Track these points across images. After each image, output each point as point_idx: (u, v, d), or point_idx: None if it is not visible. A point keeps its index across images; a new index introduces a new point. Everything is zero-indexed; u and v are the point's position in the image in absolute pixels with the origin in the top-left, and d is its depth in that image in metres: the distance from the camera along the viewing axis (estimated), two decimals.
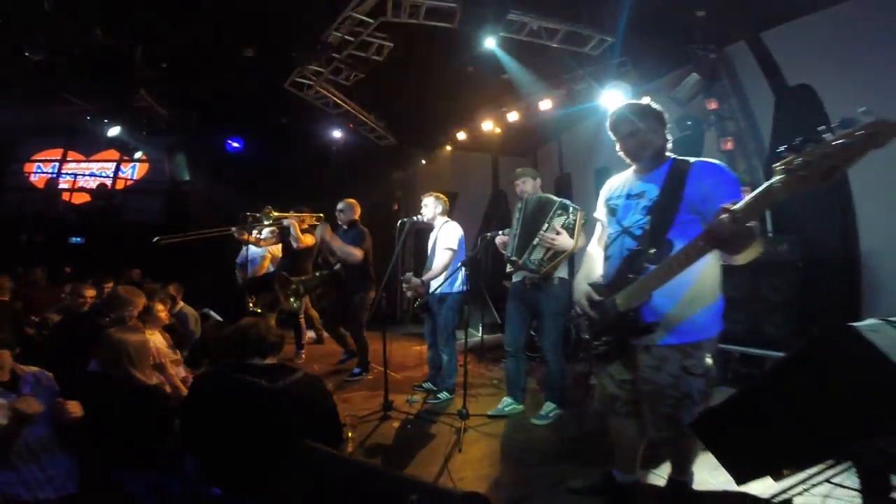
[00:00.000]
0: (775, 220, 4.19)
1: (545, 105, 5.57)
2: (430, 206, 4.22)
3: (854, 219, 3.74)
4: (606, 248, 2.16)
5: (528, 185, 3.73)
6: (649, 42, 4.47)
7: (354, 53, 4.88)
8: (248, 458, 1.97)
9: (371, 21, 4.36)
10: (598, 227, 2.31)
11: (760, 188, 1.48)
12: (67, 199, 8.04)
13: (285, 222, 5.19)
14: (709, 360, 2.02)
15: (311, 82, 5.61)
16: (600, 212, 2.26)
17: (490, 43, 4.30)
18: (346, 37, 4.62)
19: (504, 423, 3.57)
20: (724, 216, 1.54)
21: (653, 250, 1.89)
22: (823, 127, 1.29)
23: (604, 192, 2.25)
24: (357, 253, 4.51)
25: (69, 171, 8.15)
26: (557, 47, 4.58)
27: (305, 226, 5.29)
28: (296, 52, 4.89)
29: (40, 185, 8.16)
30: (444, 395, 4.10)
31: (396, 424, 3.54)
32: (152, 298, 4.47)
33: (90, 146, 8.08)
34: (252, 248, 5.93)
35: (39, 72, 5.13)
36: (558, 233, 3.33)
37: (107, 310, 3.24)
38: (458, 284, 4.05)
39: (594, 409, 2.37)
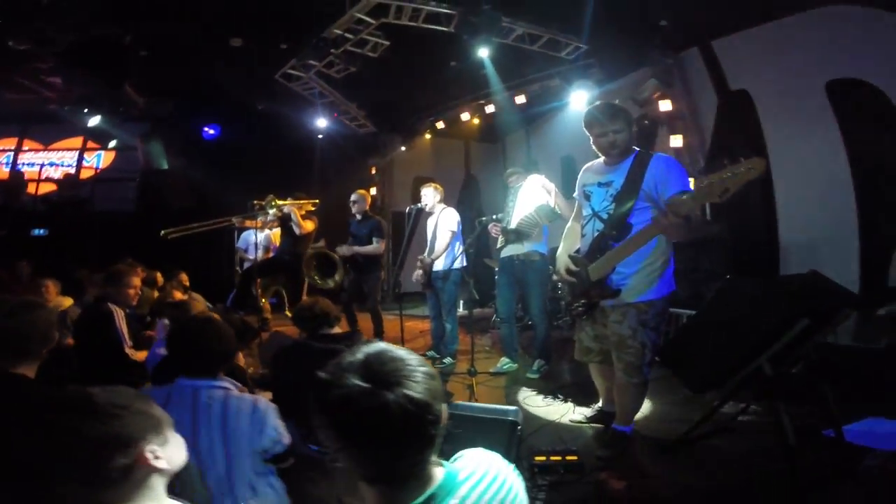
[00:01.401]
0: (713, 207, 5.07)
1: (520, 100, 6.13)
2: (430, 195, 4.73)
3: (774, 207, 4.65)
4: (583, 227, 2.60)
5: (521, 180, 4.37)
6: (613, 46, 5.11)
7: (350, 49, 5.14)
8: None
9: (372, 21, 4.65)
10: (577, 207, 2.75)
11: (682, 197, 2.08)
12: (32, 190, 7.60)
13: (286, 209, 5.42)
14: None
15: (301, 74, 5.79)
16: (579, 194, 2.69)
17: (484, 52, 4.74)
18: (345, 34, 4.87)
19: (504, 378, 4.23)
20: (659, 215, 2.15)
21: (614, 232, 2.37)
22: (726, 161, 1.93)
23: (581, 178, 2.67)
24: (381, 247, 4.92)
25: (27, 161, 7.68)
26: (536, 50, 5.11)
27: (303, 212, 5.55)
28: (289, 45, 5.06)
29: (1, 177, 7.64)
30: (448, 360, 4.68)
31: None
32: (166, 287, 4.67)
33: (48, 134, 7.66)
34: (260, 233, 6.12)
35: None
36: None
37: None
38: (458, 261, 4.62)
39: (574, 359, 2.93)
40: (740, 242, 4.55)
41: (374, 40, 5.05)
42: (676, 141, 5.04)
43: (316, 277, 5.15)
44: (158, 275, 5.43)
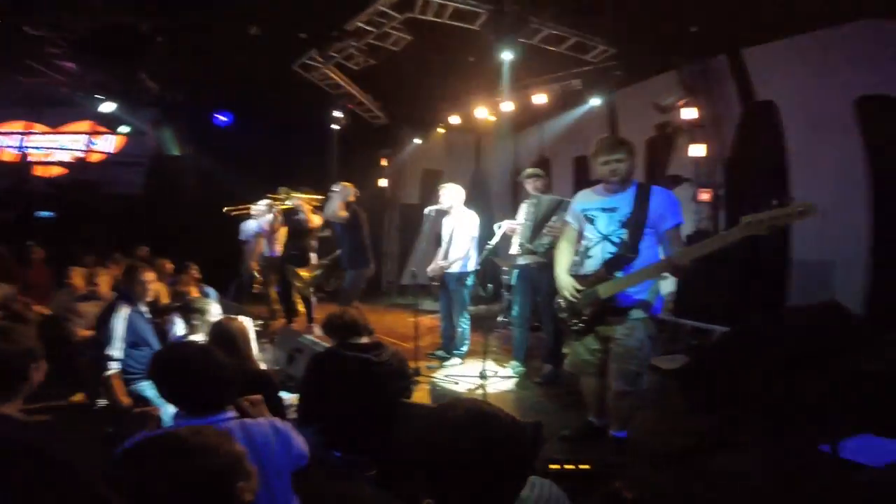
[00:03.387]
0: (728, 221, 5.05)
1: (539, 99, 6.05)
2: (450, 196, 4.67)
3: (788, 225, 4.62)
4: (587, 248, 2.76)
5: (539, 183, 4.34)
6: (639, 49, 5.04)
7: (372, 42, 5.06)
8: (365, 423, 2.42)
9: (396, 15, 4.57)
10: (568, 229, 2.93)
11: (725, 233, 2.34)
12: (39, 173, 7.54)
13: (293, 203, 5.41)
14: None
15: (319, 64, 5.71)
16: (573, 217, 2.88)
17: (508, 55, 4.65)
18: (367, 26, 4.79)
19: (514, 382, 4.28)
20: (672, 261, 2.40)
21: (631, 255, 2.58)
22: (776, 202, 2.11)
23: (578, 203, 2.86)
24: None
25: (35, 144, 7.58)
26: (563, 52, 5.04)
27: (311, 207, 5.55)
28: (310, 36, 4.99)
29: (5, 159, 7.57)
30: (456, 360, 4.71)
31: (428, 388, 4.12)
32: (178, 281, 4.66)
33: (56, 117, 7.57)
34: (253, 225, 6.13)
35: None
36: None
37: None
38: (473, 264, 4.63)
39: (565, 371, 3.12)
40: (751, 256, 4.53)
41: (397, 34, 4.97)
42: (698, 150, 4.98)
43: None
44: (168, 263, 5.44)
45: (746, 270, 4.33)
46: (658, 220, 2.59)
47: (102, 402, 2.86)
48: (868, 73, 4.00)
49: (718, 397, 2.41)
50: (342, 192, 4.90)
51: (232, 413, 1.62)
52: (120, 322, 2.96)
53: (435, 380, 4.28)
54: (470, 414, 0.95)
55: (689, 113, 4.95)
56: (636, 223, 2.59)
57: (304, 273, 5.07)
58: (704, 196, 5.02)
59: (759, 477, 2.52)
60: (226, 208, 5.46)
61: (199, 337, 2.85)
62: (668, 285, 4.71)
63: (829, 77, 4.27)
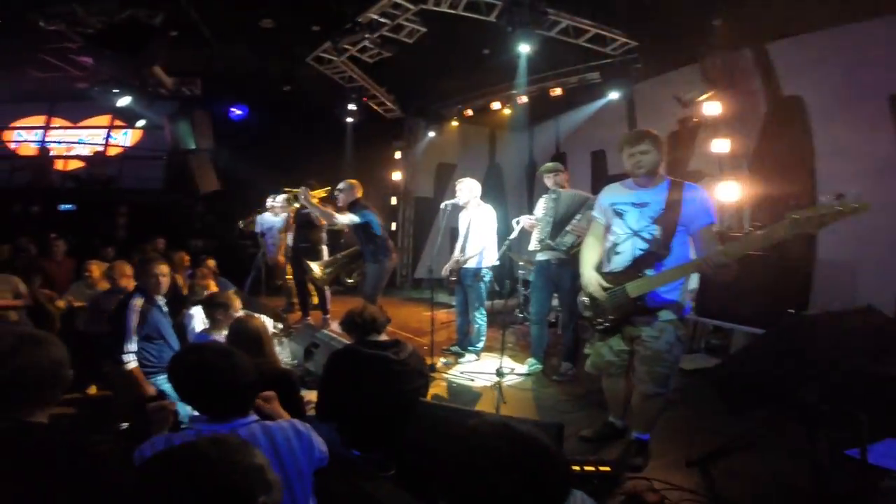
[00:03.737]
0: (752, 220, 4.91)
1: (556, 92, 5.95)
2: (467, 191, 4.62)
3: None
4: (615, 244, 2.64)
5: (559, 178, 4.26)
6: (660, 41, 4.90)
7: (386, 35, 5.01)
8: (383, 421, 2.41)
9: (410, 6, 4.51)
10: (594, 225, 2.83)
11: (769, 229, 2.18)
12: (60, 166, 7.65)
13: (301, 197, 5.41)
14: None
15: (334, 57, 5.68)
16: (600, 212, 2.77)
17: (524, 48, 4.55)
18: (381, 18, 4.74)
19: (531, 379, 4.23)
20: (716, 262, 2.28)
21: (664, 252, 2.48)
22: (828, 196, 1.99)
23: (606, 197, 2.75)
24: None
25: (55, 139, 7.69)
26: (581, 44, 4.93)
27: (318, 200, 5.55)
28: (322, 27, 4.95)
29: (25, 153, 7.69)
30: (472, 356, 4.69)
31: (444, 384, 4.10)
32: (196, 274, 4.70)
33: (76, 112, 7.67)
34: (270, 219, 6.18)
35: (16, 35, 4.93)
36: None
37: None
38: (490, 260, 4.58)
39: (586, 372, 3.03)
40: (780, 260, 4.41)
41: (411, 26, 4.90)
42: (722, 145, 4.83)
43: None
44: (185, 255, 5.51)
45: (771, 270, 4.23)
46: (691, 217, 2.50)
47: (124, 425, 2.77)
48: None
49: (749, 398, 2.36)
50: (347, 191, 4.76)
51: (253, 416, 1.60)
52: (133, 315, 2.96)
53: (451, 376, 4.26)
54: (511, 445, 0.93)
55: (713, 107, 4.81)
56: (669, 220, 2.49)
57: (317, 270, 5.06)
58: (728, 193, 4.89)
59: (784, 480, 2.48)
60: (240, 222, 5.62)
61: (221, 333, 2.84)
62: (691, 282, 4.63)
63: (860, 72, 4.11)
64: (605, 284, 2.63)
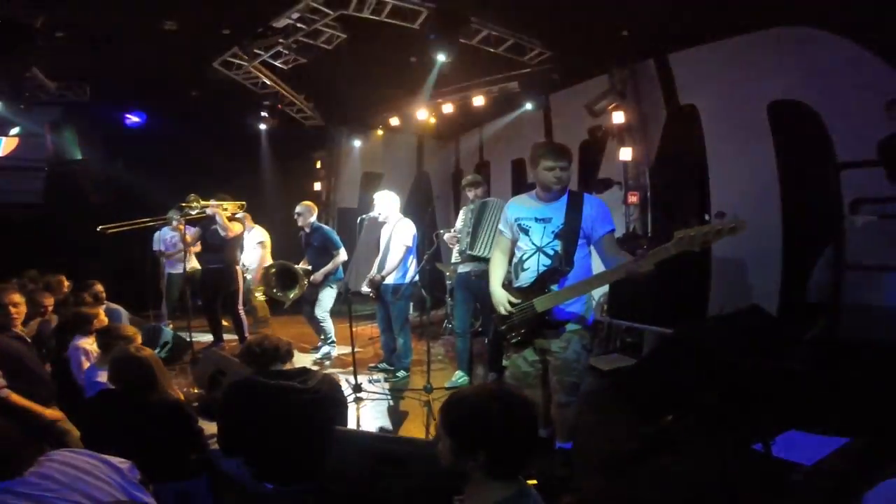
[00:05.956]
0: (653, 223, 5.27)
1: (478, 101, 6.03)
2: (385, 204, 4.51)
3: (709, 223, 4.85)
4: (522, 260, 2.67)
5: (479, 190, 4.30)
6: (573, 52, 5.11)
7: (302, 40, 4.76)
8: (296, 453, 2.23)
9: (329, 12, 4.31)
10: (501, 240, 2.83)
11: (661, 247, 2.25)
12: None
13: (209, 211, 5.03)
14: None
15: (244, 62, 5.31)
16: (506, 226, 2.77)
17: (446, 56, 4.50)
18: (297, 23, 4.50)
19: None
20: (633, 267, 2.33)
21: (567, 268, 2.54)
22: (708, 217, 2.08)
23: (511, 212, 2.74)
24: (342, 255, 4.92)
25: None
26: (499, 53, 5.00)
27: (228, 214, 5.20)
28: (236, 32, 4.61)
29: None
30: (401, 373, 4.58)
31: (371, 403, 3.93)
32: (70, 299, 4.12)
33: None
34: (171, 235, 5.66)
35: None
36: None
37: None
38: (410, 276, 4.49)
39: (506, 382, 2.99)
40: (676, 262, 4.73)
41: (330, 32, 4.70)
42: (626, 153, 5.13)
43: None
44: (63, 279, 4.79)
45: (673, 270, 4.54)
46: (591, 228, 2.57)
47: None
48: (782, 78, 4.20)
49: (657, 403, 2.46)
50: (305, 213, 4.95)
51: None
52: None
53: (378, 396, 4.09)
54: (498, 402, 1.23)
55: (618, 116, 5.09)
56: (569, 234, 2.55)
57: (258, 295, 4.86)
58: (633, 199, 5.19)
59: (697, 479, 2.57)
60: (100, 227, 4.93)
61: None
62: (602, 287, 4.84)
63: (745, 82, 4.47)
64: (514, 300, 2.65)
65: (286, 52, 5.01)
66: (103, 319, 3.58)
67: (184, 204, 4.91)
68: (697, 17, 4.20)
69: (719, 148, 4.81)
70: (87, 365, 3.00)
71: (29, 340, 2.92)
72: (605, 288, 4.96)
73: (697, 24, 4.34)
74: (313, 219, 5.01)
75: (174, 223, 5.18)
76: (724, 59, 4.61)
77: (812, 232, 4.17)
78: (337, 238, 4.97)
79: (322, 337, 5.13)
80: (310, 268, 4.91)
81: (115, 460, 1.49)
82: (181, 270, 5.65)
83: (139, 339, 2.79)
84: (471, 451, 1.22)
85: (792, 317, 3.59)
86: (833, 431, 2.36)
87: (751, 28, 4.27)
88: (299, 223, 4.98)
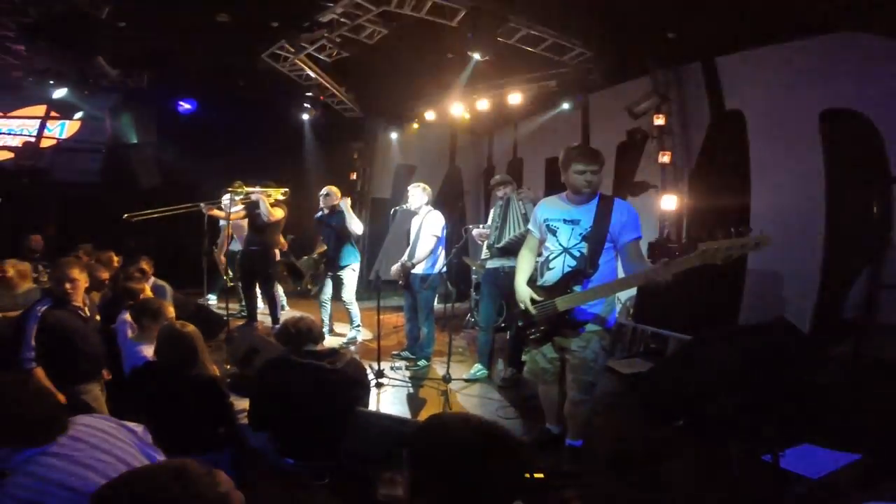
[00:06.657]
0: (688, 230, 5.12)
1: (514, 98, 6.03)
2: (418, 196, 4.63)
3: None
4: (548, 259, 2.74)
5: (508, 189, 4.34)
6: (615, 53, 5.04)
7: (345, 35, 4.92)
8: (318, 431, 2.38)
9: (372, 7, 4.43)
10: (530, 238, 2.90)
11: (681, 258, 2.27)
12: None
13: (253, 197, 5.26)
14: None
15: (290, 54, 5.53)
16: (535, 226, 2.84)
17: (483, 55, 4.55)
18: (341, 18, 4.65)
19: (476, 385, 4.28)
20: (652, 275, 2.34)
21: (590, 271, 2.59)
22: (733, 230, 2.10)
23: (541, 213, 2.80)
24: (356, 227, 5.07)
25: None
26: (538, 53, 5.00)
27: (272, 200, 5.41)
28: (284, 25, 4.81)
29: None
30: (422, 362, 4.70)
31: (391, 390, 4.08)
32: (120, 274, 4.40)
33: (8, 101, 7.10)
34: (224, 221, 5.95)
35: None
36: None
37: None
38: (440, 266, 4.59)
39: (524, 377, 3.12)
40: (709, 271, 4.61)
41: (373, 27, 4.84)
42: (664, 157, 5.04)
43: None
44: (113, 255, 5.12)
45: (705, 278, 4.45)
46: (618, 234, 2.60)
47: None
48: (834, 86, 4.02)
49: (672, 409, 2.48)
50: (330, 196, 5.16)
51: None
52: (32, 322, 2.72)
53: (399, 383, 4.24)
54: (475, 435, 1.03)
55: (659, 119, 5.00)
56: (596, 237, 2.59)
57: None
58: (669, 204, 5.10)
59: (702, 486, 2.59)
60: (125, 215, 5.17)
61: (149, 344, 2.65)
62: (629, 290, 4.79)
63: (795, 89, 4.30)
64: (536, 298, 2.72)
65: (330, 45, 5.17)
66: (149, 294, 3.86)
67: (230, 189, 5.15)
68: (747, 20, 4.06)
69: (764, 156, 4.63)
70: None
71: (87, 314, 3.03)
72: (633, 291, 4.91)
73: (747, 27, 4.20)
74: (336, 202, 5.20)
75: (211, 208, 5.43)
76: (775, 64, 4.43)
77: (856, 249, 4.00)
78: (357, 223, 5.08)
79: (350, 323, 5.31)
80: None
81: (130, 424, 1.56)
82: (238, 248, 5.95)
83: (170, 313, 2.92)
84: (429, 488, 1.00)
85: (824, 333, 3.48)
86: (847, 447, 2.32)
87: (804, 33, 4.10)
88: (323, 203, 5.19)
